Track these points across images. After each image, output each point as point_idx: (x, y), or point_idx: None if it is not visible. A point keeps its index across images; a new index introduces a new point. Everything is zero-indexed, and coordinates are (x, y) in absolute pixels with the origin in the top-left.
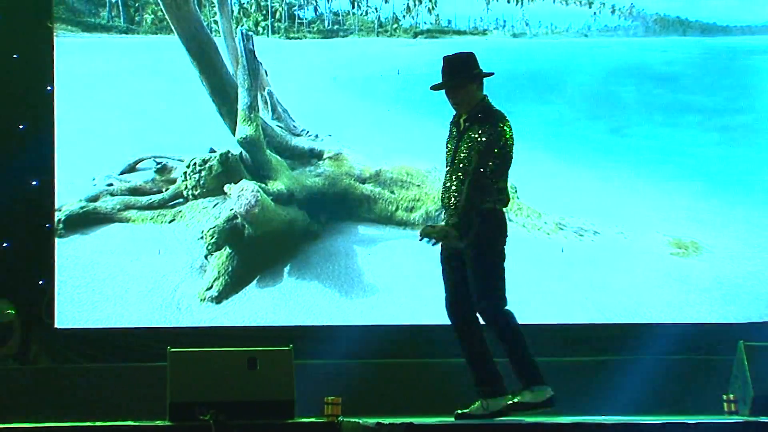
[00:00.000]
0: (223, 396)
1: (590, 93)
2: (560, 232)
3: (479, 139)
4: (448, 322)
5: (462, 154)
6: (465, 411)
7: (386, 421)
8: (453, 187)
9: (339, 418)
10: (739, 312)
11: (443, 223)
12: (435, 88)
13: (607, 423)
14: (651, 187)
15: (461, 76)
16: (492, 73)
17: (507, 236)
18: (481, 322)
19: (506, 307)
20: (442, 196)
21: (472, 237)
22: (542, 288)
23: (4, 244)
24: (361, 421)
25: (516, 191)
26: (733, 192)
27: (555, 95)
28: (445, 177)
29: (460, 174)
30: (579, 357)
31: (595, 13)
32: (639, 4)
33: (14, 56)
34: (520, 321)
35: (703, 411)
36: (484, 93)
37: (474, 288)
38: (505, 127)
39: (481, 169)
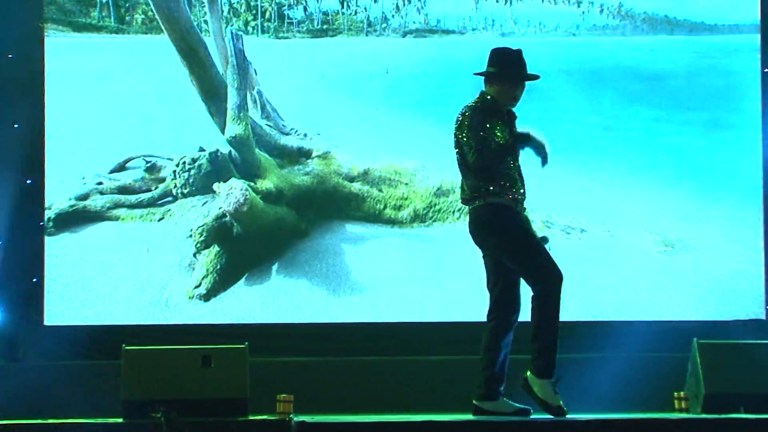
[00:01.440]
0: (177, 394)
1: (578, 92)
2: (547, 230)
3: None
4: (434, 319)
5: None
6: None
7: (337, 419)
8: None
9: (290, 416)
10: (726, 310)
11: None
12: (533, 78)
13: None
14: (638, 185)
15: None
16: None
17: None
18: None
19: None
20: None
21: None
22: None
23: None
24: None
25: None
26: (720, 190)
27: (543, 94)
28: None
29: None
30: (564, 354)
31: (583, 12)
32: (627, 4)
33: (9, 56)
34: None
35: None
36: None
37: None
38: None
39: None
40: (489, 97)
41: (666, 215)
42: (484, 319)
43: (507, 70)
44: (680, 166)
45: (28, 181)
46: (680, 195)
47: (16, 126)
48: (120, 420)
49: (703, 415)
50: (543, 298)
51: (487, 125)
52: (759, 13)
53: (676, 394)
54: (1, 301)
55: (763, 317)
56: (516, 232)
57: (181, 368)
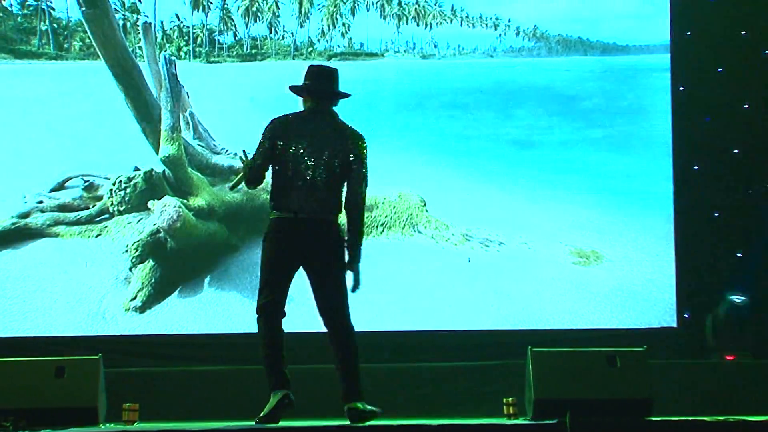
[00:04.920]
0: (30, 403)
1: (496, 110)
2: (467, 243)
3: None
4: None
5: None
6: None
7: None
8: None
9: (135, 424)
10: (638, 317)
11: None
12: (341, 96)
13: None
14: (554, 199)
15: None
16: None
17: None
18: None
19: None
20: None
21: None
22: (450, 296)
23: None
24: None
25: (425, 204)
26: (632, 203)
27: (462, 113)
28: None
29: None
30: (483, 361)
31: (500, 35)
32: (542, 26)
33: None
34: (430, 327)
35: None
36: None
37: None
38: None
39: None
40: None
41: (580, 228)
42: (402, 328)
43: None
44: (594, 180)
45: None
46: (594, 208)
47: None
48: None
49: (522, 421)
50: None
51: None
52: (669, 34)
53: (504, 400)
54: None
55: (675, 325)
56: None
57: (35, 378)
